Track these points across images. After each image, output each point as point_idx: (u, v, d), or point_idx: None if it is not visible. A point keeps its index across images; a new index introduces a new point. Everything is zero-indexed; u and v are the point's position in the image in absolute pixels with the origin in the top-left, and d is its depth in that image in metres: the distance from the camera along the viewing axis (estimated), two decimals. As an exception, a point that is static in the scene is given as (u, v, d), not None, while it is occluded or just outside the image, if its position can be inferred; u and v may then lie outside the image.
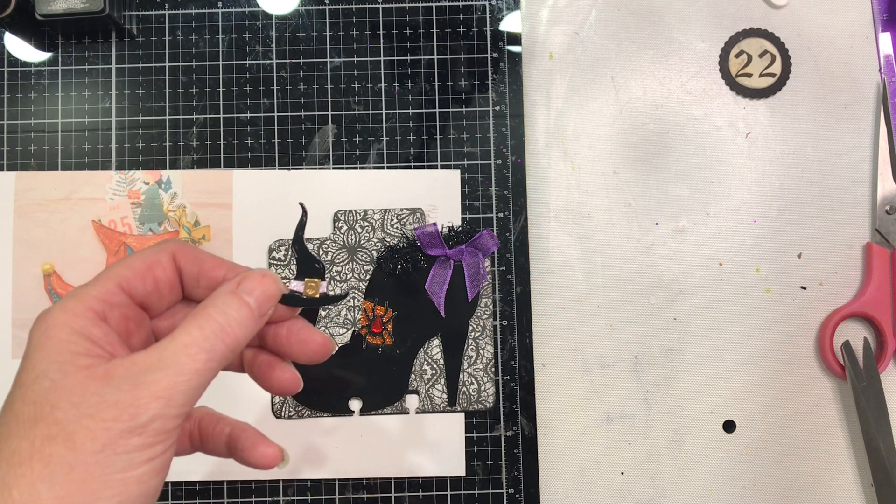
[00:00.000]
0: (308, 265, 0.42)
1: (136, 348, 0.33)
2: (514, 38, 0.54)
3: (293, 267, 0.51)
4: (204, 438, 0.37)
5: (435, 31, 0.54)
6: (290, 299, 0.35)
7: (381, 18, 0.54)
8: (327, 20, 0.54)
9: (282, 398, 0.50)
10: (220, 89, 0.53)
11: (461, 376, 0.51)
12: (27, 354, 0.30)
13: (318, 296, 0.36)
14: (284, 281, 0.34)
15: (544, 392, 0.51)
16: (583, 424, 0.51)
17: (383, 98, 0.53)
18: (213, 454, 0.37)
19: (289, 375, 0.36)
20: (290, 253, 0.51)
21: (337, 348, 0.36)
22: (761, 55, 0.53)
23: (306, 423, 0.50)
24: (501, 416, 0.51)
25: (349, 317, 0.50)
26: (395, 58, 0.54)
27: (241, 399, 0.50)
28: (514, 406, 0.51)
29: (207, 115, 0.53)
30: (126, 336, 0.32)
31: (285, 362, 0.36)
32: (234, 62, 0.53)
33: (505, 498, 0.50)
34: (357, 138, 0.53)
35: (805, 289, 0.52)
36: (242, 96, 0.53)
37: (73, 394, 0.28)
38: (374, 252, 0.51)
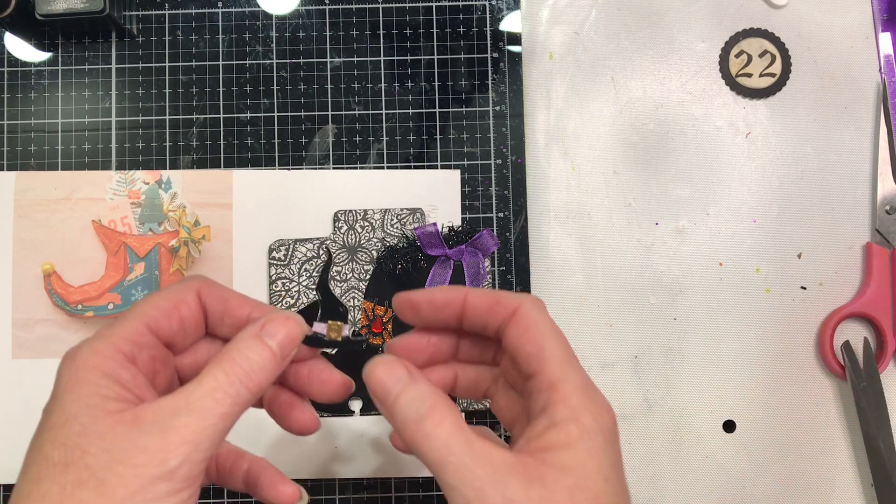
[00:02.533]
0: (332, 308, 0.42)
1: (160, 387, 0.33)
2: (514, 38, 0.54)
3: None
4: (222, 473, 0.37)
5: (435, 31, 0.54)
6: (312, 341, 0.35)
7: (381, 18, 0.54)
8: (327, 20, 0.54)
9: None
10: (220, 89, 0.53)
11: (461, 376, 0.50)
12: (56, 395, 0.30)
13: (340, 339, 0.36)
14: (309, 320, 0.35)
15: (544, 392, 0.51)
16: (583, 424, 0.51)
17: (383, 98, 0.53)
18: (231, 488, 0.37)
19: (308, 416, 0.36)
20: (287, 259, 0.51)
21: (354, 387, 0.37)
22: (761, 55, 0.53)
23: (306, 423, 0.50)
24: (501, 416, 0.51)
25: (349, 317, 0.50)
26: (395, 58, 0.54)
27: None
28: (514, 406, 0.51)
29: (207, 115, 0.53)
30: (152, 376, 0.32)
31: (304, 402, 0.36)
32: (234, 62, 0.53)
33: (505, 498, 0.50)
34: (357, 138, 0.53)
35: (805, 289, 0.52)
36: (242, 96, 0.53)
37: (103, 439, 0.28)
38: (374, 252, 0.51)
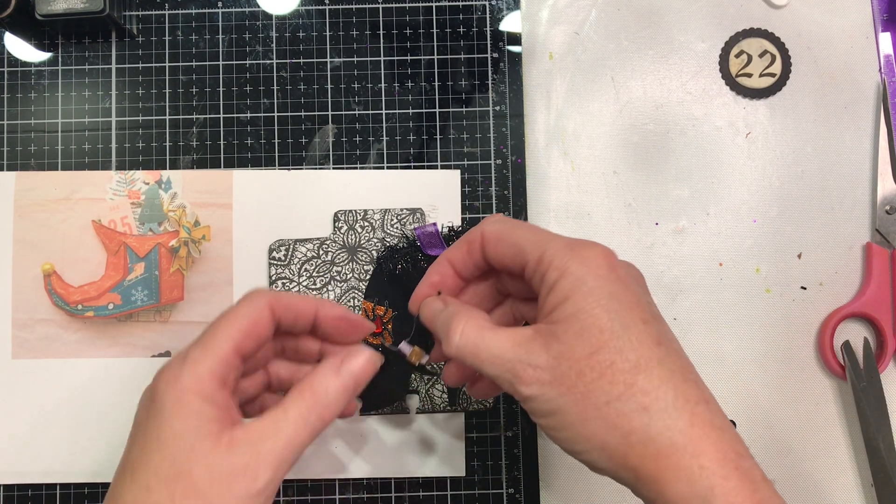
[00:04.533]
0: (423, 338, 0.44)
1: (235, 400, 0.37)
2: (514, 38, 0.54)
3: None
4: None
5: (435, 31, 0.54)
6: (393, 355, 0.40)
7: (381, 18, 0.54)
8: (327, 20, 0.54)
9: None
10: (220, 89, 0.53)
11: (461, 376, 0.50)
12: (161, 413, 0.33)
13: (417, 364, 0.41)
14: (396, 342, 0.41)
15: (544, 392, 0.51)
16: (583, 424, 0.51)
17: (383, 98, 0.53)
18: None
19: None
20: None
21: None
22: (761, 55, 0.53)
23: (306, 423, 0.50)
24: (501, 416, 0.51)
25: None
26: (395, 58, 0.54)
27: (241, 399, 0.50)
28: (514, 406, 0.51)
29: (207, 115, 0.53)
30: (234, 393, 0.36)
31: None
32: (234, 62, 0.53)
33: (505, 498, 0.50)
34: (357, 138, 0.53)
35: (805, 289, 0.52)
36: (242, 96, 0.53)
37: (207, 457, 0.32)
38: (374, 252, 0.51)
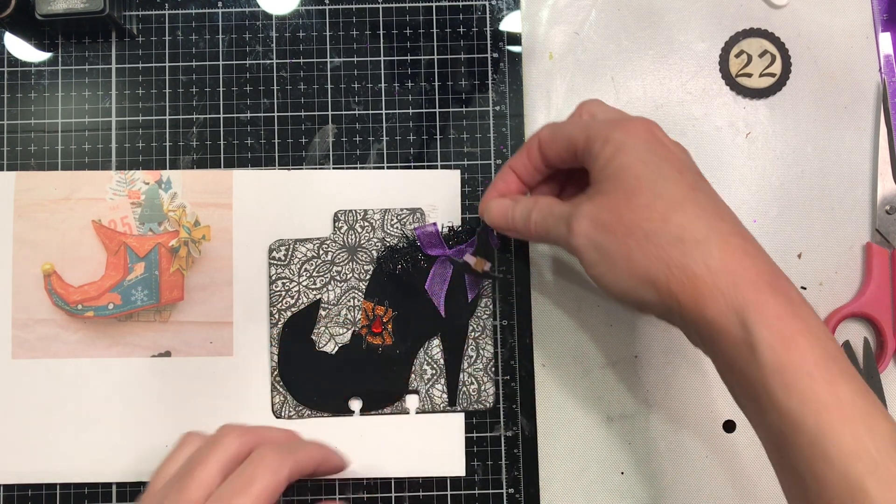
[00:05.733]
0: (485, 249, 0.50)
1: None
2: (514, 38, 0.54)
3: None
4: None
5: (435, 31, 0.54)
6: (462, 266, 0.46)
7: (381, 18, 0.54)
8: (327, 20, 0.54)
9: (281, 398, 0.50)
10: (220, 89, 0.53)
11: (461, 376, 0.51)
12: None
13: (482, 271, 0.46)
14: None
15: (544, 392, 0.51)
16: (583, 424, 0.51)
17: (383, 98, 0.53)
18: None
19: None
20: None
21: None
22: (761, 55, 0.53)
23: (306, 424, 0.50)
24: (501, 416, 0.51)
25: (349, 317, 0.50)
26: (395, 58, 0.54)
27: (242, 397, 0.50)
28: (514, 406, 0.51)
29: (207, 115, 0.53)
30: None
31: None
32: (234, 62, 0.53)
33: (505, 498, 0.50)
34: (357, 138, 0.53)
35: (805, 289, 0.52)
36: (242, 96, 0.53)
37: None
38: (374, 252, 0.51)
